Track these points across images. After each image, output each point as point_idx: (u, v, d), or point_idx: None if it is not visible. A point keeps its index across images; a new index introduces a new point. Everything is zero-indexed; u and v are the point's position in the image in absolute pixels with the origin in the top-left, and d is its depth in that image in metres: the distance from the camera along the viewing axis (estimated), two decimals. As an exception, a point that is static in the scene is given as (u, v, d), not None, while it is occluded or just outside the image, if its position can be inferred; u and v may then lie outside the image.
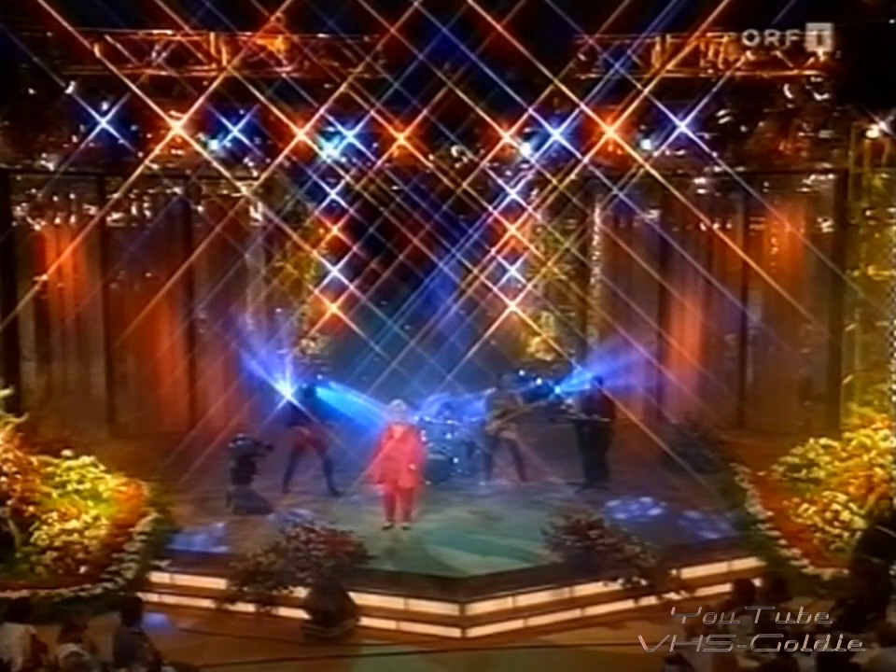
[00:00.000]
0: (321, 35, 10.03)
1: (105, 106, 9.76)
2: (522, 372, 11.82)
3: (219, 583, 7.20)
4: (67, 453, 8.72)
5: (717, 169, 10.58)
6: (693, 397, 10.75)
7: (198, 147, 10.20)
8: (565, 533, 7.32)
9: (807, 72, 9.81)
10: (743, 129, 10.26)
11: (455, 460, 9.23)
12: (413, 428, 8.14)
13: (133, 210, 11.12)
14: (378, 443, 7.85)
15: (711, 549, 7.66)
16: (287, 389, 9.67)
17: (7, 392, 8.83)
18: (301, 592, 6.98)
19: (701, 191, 11.14)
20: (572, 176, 10.44)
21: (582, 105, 9.57)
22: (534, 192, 11.92)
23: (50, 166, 10.16)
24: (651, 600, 7.08)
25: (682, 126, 9.92)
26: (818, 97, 9.91)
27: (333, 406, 9.36)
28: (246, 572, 7.11)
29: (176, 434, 10.03)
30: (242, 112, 10.00)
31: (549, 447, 9.62)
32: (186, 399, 11.10)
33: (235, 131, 10.11)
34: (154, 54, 9.79)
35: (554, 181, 10.46)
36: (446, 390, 9.81)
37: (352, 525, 7.59)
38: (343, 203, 10.99)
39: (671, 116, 9.83)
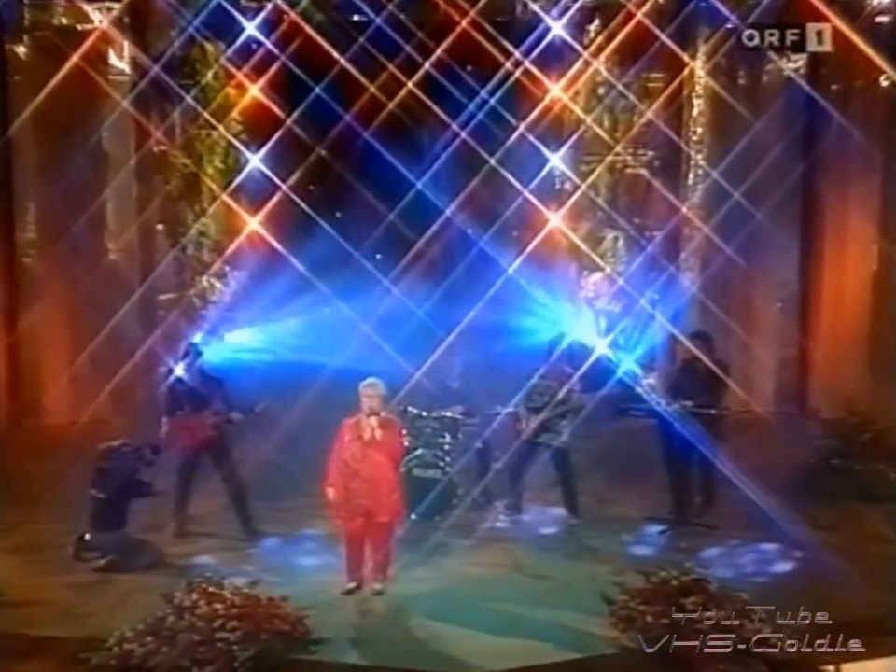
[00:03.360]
0: None
1: None
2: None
3: (63, 686, 7.24)
4: None
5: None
6: (859, 375, 10.81)
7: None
8: (641, 601, 7.30)
9: None
10: None
11: (459, 479, 9.26)
12: (395, 425, 8.13)
13: None
14: (335, 450, 7.83)
15: (889, 630, 7.59)
16: (175, 360, 9.60)
17: None
18: (202, 701, 6.99)
19: (882, 19, 10.95)
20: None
21: None
22: (593, 26, 11.85)
23: None
24: (787, 713, 7.21)
25: None
26: None
27: (247, 386, 9.40)
28: (108, 667, 7.03)
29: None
30: None
31: (614, 458, 9.69)
32: (4, 380, 11.14)
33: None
34: None
35: (629, 5, 10.35)
36: (443, 359, 9.73)
37: (288, 588, 7.58)
38: (268, 43, 10.90)
39: None
